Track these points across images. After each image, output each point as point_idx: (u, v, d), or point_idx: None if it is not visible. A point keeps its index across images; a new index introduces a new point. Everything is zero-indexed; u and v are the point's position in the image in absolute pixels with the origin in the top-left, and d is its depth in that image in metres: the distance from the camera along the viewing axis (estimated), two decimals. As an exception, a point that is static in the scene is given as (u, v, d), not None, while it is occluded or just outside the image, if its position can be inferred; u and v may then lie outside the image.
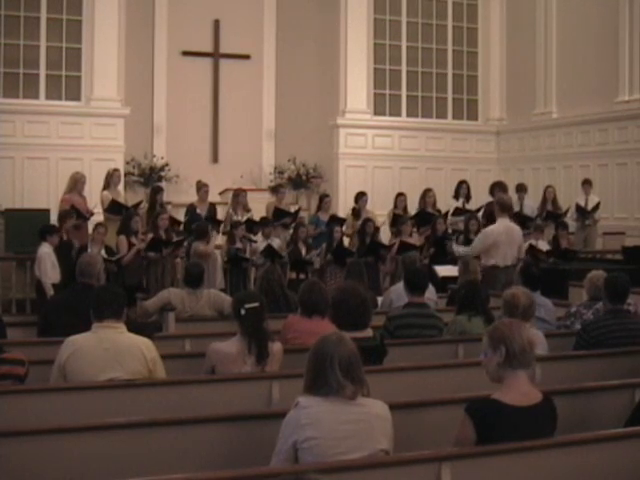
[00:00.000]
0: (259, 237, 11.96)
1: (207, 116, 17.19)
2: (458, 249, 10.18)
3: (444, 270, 10.45)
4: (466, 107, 18.55)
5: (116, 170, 12.66)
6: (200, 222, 11.60)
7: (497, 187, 12.88)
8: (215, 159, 17.24)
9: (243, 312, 5.13)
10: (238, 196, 12.74)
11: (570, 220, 13.46)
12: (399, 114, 17.91)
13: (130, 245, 10.80)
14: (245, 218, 12.33)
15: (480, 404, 3.79)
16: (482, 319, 6.36)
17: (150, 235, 11.11)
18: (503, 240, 9.53)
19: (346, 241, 12.79)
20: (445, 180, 16.73)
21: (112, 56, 15.57)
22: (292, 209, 13.59)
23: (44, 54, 15.46)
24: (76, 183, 11.94)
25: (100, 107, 15.40)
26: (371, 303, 5.59)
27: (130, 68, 16.13)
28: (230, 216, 12.44)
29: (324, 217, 12.94)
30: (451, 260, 10.99)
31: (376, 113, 17.65)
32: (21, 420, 4.28)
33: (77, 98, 15.62)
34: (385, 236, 12.89)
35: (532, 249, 11.54)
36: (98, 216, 11.91)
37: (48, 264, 9.73)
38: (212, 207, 12.66)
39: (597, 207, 13.80)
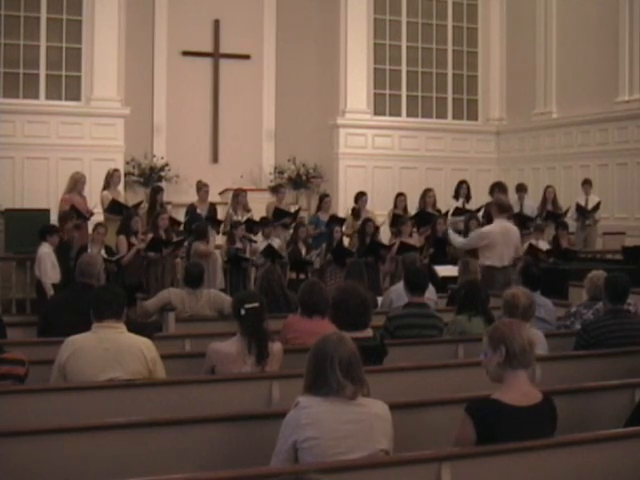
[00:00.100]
0: (259, 237, 11.96)
1: (207, 116, 17.19)
2: (455, 237, 10.22)
3: (444, 270, 10.46)
4: (466, 107, 18.55)
5: (116, 170, 12.66)
6: (200, 222, 11.60)
7: (497, 187, 12.87)
8: (215, 159, 17.24)
9: (243, 312, 5.13)
10: (238, 196, 12.74)
11: (570, 220, 13.46)
12: (399, 114, 17.92)
13: (130, 245, 10.80)
14: (245, 218, 12.33)
15: (480, 404, 3.79)
16: (482, 319, 6.36)
17: (150, 235, 11.12)
18: (499, 241, 9.53)
19: (346, 241, 12.79)
20: (445, 180, 16.73)
21: (112, 56, 15.57)
22: (292, 209, 13.59)
23: (44, 54, 15.46)
24: (76, 183, 11.94)
25: (100, 107, 15.41)
26: (371, 303, 5.59)
27: (130, 68, 16.14)
28: (230, 216, 12.44)
29: (324, 217, 12.94)
30: (451, 260, 11.00)
31: (376, 113, 17.65)
32: (21, 420, 4.28)
33: (77, 98, 15.62)
34: (385, 236, 12.89)
35: (532, 249, 11.55)
36: (98, 216, 11.91)
37: (48, 264, 9.73)
38: (212, 207, 12.66)
39: (597, 207, 13.80)
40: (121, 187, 13.39)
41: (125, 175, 15.13)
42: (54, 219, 11.74)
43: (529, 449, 3.71)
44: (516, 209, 13.03)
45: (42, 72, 15.46)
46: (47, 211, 12.56)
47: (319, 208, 13.31)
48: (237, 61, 17.33)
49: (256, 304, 5.19)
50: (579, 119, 16.14)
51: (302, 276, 11.42)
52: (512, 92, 18.24)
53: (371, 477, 3.54)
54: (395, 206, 13.16)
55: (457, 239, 10.19)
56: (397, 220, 12.31)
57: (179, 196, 15.57)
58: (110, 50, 15.54)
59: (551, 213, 13.47)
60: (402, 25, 17.95)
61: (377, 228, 12.26)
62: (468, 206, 13.13)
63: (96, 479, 3.81)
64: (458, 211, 12.90)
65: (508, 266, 9.48)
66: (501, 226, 9.70)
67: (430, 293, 7.63)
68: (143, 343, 5.06)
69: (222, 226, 12.31)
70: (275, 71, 17.65)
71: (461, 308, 6.67)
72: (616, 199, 15.34)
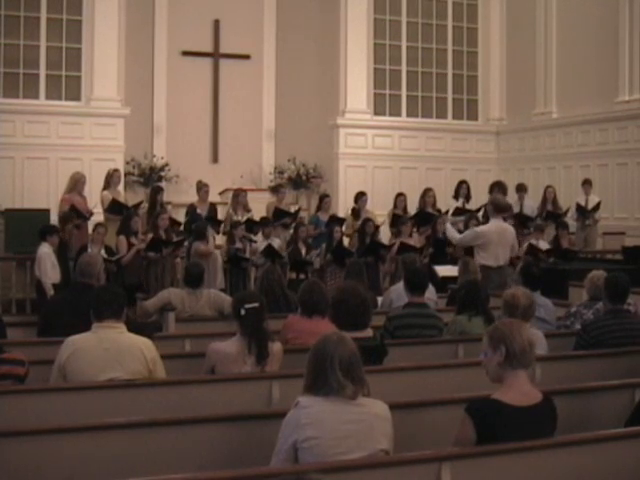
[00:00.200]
0: (259, 237, 11.96)
1: (207, 116, 17.20)
2: (452, 232, 10.24)
3: (444, 270, 10.45)
4: (466, 107, 18.55)
5: (116, 170, 12.65)
6: (199, 222, 11.60)
7: (497, 187, 12.88)
8: (215, 159, 17.24)
9: (243, 312, 5.13)
10: (238, 196, 12.74)
11: (570, 220, 13.46)
12: (399, 114, 17.92)
13: (130, 245, 10.80)
14: (245, 218, 12.33)
15: (480, 404, 3.79)
16: (482, 319, 6.36)
17: (150, 235, 11.12)
18: (495, 240, 9.55)
19: (346, 241, 12.79)
20: (445, 180, 16.73)
21: (112, 56, 15.58)
22: (292, 209, 13.59)
23: (44, 54, 15.47)
24: (76, 183, 11.94)
25: (100, 107, 15.41)
26: (371, 303, 5.59)
27: (130, 68, 16.14)
28: (230, 216, 12.44)
29: (324, 217, 12.94)
30: (451, 260, 10.99)
31: (376, 113, 17.66)
32: (21, 420, 4.28)
33: (77, 98, 15.63)
34: (385, 236, 12.88)
35: (532, 249, 11.55)
36: (98, 216, 11.91)
37: (48, 264, 9.73)
38: (212, 207, 12.66)
39: (597, 207, 13.80)
40: (121, 187, 13.38)
41: (125, 175, 15.14)
42: (54, 219, 11.73)
43: (529, 449, 3.71)
44: (516, 209, 13.04)
45: (42, 72, 15.47)
46: (47, 211, 12.55)
47: (319, 208, 13.31)
48: (237, 61, 17.33)
49: (256, 304, 5.19)
50: (579, 119, 16.14)
51: (302, 276, 11.42)
52: (512, 92, 18.24)
53: (371, 477, 3.54)
54: (395, 206, 13.15)
55: (454, 234, 10.23)
56: (397, 220, 12.30)
57: (179, 196, 15.58)
58: (110, 50, 15.54)
59: (551, 213, 13.47)
60: (402, 25, 17.95)
61: (377, 228, 12.26)
62: (468, 206, 13.13)
63: (96, 479, 3.81)
64: (458, 211, 12.89)
65: (503, 266, 9.53)
66: (497, 226, 9.72)
67: (430, 293, 7.62)
68: (143, 343, 5.06)
69: (222, 226, 12.30)
70: (275, 71, 17.65)
71: (461, 308, 6.67)
72: (616, 199, 15.34)
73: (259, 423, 4.17)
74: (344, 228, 12.79)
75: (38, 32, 15.40)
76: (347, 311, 5.10)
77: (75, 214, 11.20)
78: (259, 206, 13.36)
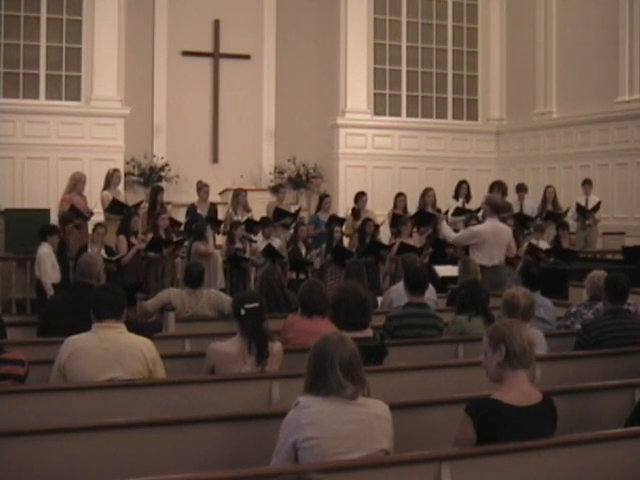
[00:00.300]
0: (259, 237, 11.96)
1: (207, 116, 17.20)
2: (447, 230, 10.25)
3: (444, 270, 10.45)
4: (466, 107, 18.55)
5: (116, 170, 12.65)
6: (199, 222, 11.60)
7: (496, 187, 12.88)
8: (215, 159, 17.24)
9: (243, 312, 5.13)
10: (238, 196, 12.74)
11: (570, 220, 13.46)
12: (399, 114, 17.92)
13: (130, 245, 10.80)
14: (245, 218, 12.33)
15: (480, 404, 3.79)
16: (482, 319, 6.36)
17: (150, 235, 11.12)
18: (490, 240, 9.56)
19: (346, 241, 12.79)
20: (445, 180, 16.72)
21: (112, 56, 15.57)
22: (292, 209, 13.59)
23: (44, 54, 15.47)
24: (76, 183, 11.93)
25: (100, 107, 15.41)
26: (371, 303, 5.59)
27: (130, 68, 16.14)
28: (230, 216, 12.44)
29: (324, 217, 12.94)
30: (451, 260, 10.98)
31: (376, 113, 17.66)
32: (21, 420, 4.28)
33: (77, 98, 15.63)
34: (385, 236, 12.88)
35: (532, 249, 11.55)
36: (98, 216, 11.91)
37: (48, 264, 9.73)
38: (213, 207, 12.66)
39: (597, 207, 13.80)
40: (121, 187, 13.38)
41: (125, 175, 15.14)
42: (54, 219, 11.74)
43: (529, 449, 3.71)
44: (516, 209, 13.04)
45: (42, 72, 15.47)
46: (47, 211, 12.55)
47: (319, 208, 13.31)
48: (237, 61, 17.33)
49: (256, 304, 5.19)
50: (579, 119, 16.14)
51: (302, 276, 11.42)
52: (512, 92, 18.24)
53: (371, 477, 3.53)
54: (395, 206, 13.14)
55: (450, 233, 10.22)
56: (397, 220, 12.30)
57: (179, 196, 15.58)
58: (110, 50, 15.54)
59: (551, 213, 13.47)
60: (402, 25, 17.95)
61: (377, 228, 12.26)
62: (468, 206, 13.12)
63: (96, 479, 3.81)
64: (458, 211, 12.88)
65: (498, 265, 9.54)
66: (492, 226, 9.74)
67: (430, 293, 7.62)
68: (143, 343, 5.06)
69: (222, 226, 12.31)
70: (275, 71, 17.65)
71: (461, 308, 6.66)
72: (616, 199, 15.34)
73: (259, 423, 4.17)
74: (344, 228, 12.79)
75: (38, 32, 15.40)
76: (347, 311, 5.10)
77: (75, 214, 11.20)
78: (259, 206, 13.36)
